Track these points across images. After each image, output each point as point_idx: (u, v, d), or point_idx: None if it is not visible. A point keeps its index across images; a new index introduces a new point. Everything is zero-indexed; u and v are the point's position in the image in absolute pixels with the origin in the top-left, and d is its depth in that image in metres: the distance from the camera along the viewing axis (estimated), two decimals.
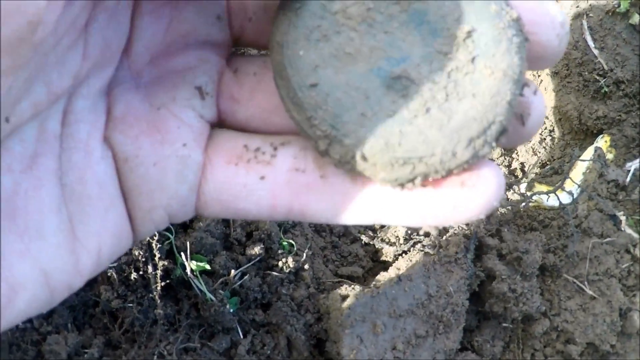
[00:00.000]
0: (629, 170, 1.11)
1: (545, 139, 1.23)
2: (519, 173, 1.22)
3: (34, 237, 0.32)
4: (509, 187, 1.11)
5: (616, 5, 1.11)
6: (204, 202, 0.38)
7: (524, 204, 1.12)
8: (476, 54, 0.34)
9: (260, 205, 0.37)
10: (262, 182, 0.37)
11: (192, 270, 0.95)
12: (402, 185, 0.35)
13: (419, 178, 0.34)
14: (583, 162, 1.13)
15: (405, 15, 0.35)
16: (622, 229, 1.11)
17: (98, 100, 0.37)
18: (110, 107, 0.37)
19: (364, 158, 0.34)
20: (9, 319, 0.31)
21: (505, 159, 1.24)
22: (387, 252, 1.10)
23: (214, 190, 0.37)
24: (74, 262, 0.34)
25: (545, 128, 1.22)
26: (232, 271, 0.98)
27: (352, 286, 1.00)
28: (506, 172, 1.20)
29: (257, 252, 1.00)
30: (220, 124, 0.40)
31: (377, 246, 1.12)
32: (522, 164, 1.23)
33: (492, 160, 0.31)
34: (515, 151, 1.24)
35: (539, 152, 1.21)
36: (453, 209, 0.34)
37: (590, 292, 1.09)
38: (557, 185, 1.08)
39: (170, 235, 0.97)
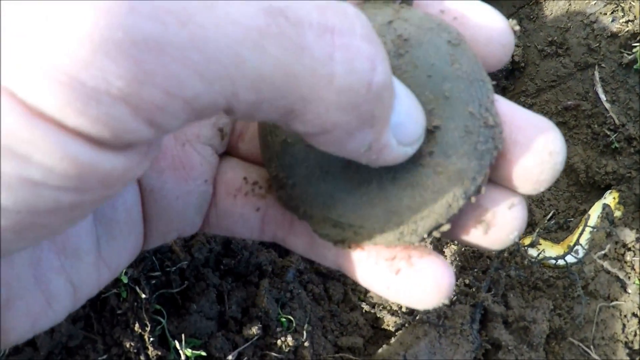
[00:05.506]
0: None
1: (550, 189, 1.18)
2: None
3: (71, 256, 0.35)
4: (516, 251, 1.07)
5: (632, 60, 1.05)
6: (207, 226, 0.43)
7: (532, 264, 1.08)
8: (434, 150, 0.33)
9: (252, 230, 0.42)
10: (256, 213, 0.41)
11: (187, 358, 0.89)
12: (333, 242, 0.36)
13: (347, 242, 0.36)
14: (591, 220, 1.09)
15: None
16: (629, 292, 1.08)
17: None
18: None
19: (304, 211, 0.36)
20: (43, 326, 0.35)
21: None
22: (389, 321, 1.05)
23: (216, 217, 0.42)
24: (97, 277, 0.37)
25: None
26: (230, 357, 0.92)
27: None
28: None
29: (255, 332, 0.94)
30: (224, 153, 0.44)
31: (378, 315, 1.07)
32: None
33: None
34: None
35: (543, 204, 1.17)
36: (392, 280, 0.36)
37: (596, 357, 1.06)
38: (566, 252, 1.04)
39: (162, 320, 0.91)
